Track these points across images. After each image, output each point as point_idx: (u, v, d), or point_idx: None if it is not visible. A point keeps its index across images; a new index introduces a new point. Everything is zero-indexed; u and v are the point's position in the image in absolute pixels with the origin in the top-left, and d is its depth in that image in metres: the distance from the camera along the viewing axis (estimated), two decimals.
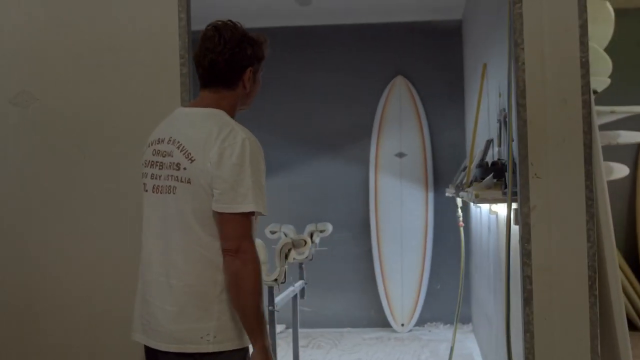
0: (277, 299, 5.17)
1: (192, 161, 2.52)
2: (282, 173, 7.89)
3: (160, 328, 2.60)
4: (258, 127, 7.75)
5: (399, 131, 7.80)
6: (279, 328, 7.45)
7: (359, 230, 7.87)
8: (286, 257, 5.30)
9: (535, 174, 3.36)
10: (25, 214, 3.46)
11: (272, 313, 5.03)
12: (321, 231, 6.11)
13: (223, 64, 2.61)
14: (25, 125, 3.45)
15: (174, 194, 2.56)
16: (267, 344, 2.54)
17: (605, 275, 3.44)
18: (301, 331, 7.38)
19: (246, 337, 2.58)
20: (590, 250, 3.35)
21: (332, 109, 7.91)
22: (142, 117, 3.29)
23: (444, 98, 7.83)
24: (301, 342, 7.03)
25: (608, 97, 4.79)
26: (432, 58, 7.84)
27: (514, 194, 3.54)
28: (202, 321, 2.54)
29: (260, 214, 2.54)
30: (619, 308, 3.46)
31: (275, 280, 5.07)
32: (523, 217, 3.37)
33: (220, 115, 2.60)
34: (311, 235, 5.98)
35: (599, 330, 3.36)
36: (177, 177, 2.55)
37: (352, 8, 7.46)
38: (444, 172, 7.64)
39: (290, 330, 6.02)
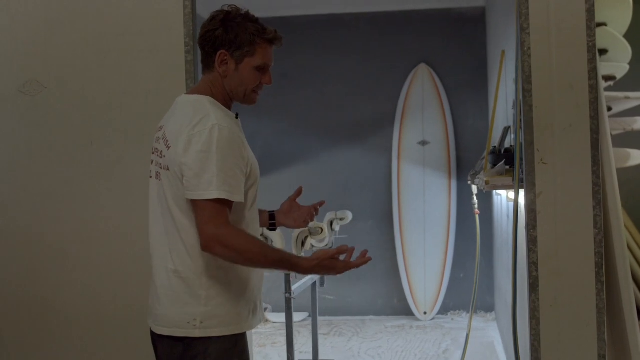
0: (294, 287, 5.18)
1: (169, 148, 2.55)
2: (304, 161, 7.91)
3: (156, 311, 2.65)
4: (281, 115, 7.87)
5: (421, 119, 7.77)
6: (301, 316, 7.51)
7: (382, 218, 7.86)
8: (302, 244, 5.31)
9: (542, 160, 3.33)
10: (34, 200, 3.51)
11: (288, 300, 5.04)
12: (341, 219, 6.11)
13: (200, 44, 2.66)
14: (33, 114, 3.49)
15: (160, 180, 2.61)
16: (306, 266, 2.52)
17: (613, 262, 3.41)
18: (324, 319, 7.43)
19: (242, 324, 2.60)
20: (597, 236, 3.32)
21: (355, 97, 7.90)
22: (148, 103, 3.32)
23: (467, 86, 7.78)
24: (323, 330, 7.07)
25: (625, 83, 4.73)
26: (455, 45, 7.79)
27: (522, 180, 3.52)
28: (190, 306, 2.57)
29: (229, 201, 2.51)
30: (628, 295, 3.42)
31: None
32: (529, 204, 3.35)
33: (202, 101, 2.61)
34: (331, 223, 5.98)
35: (606, 317, 3.33)
36: (160, 164, 2.60)
37: None
38: (467, 160, 7.59)
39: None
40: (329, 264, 2.54)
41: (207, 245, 2.46)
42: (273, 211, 3.00)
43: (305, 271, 2.54)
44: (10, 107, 3.49)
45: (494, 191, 6.40)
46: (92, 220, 3.48)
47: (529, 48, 3.34)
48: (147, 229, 2.67)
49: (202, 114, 2.55)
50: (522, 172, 3.46)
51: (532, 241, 3.34)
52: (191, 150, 2.49)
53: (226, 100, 2.67)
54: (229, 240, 2.46)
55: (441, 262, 7.63)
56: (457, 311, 7.78)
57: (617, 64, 4.61)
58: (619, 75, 4.68)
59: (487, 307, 7.61)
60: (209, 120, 2.52)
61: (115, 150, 3.45)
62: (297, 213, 3.01)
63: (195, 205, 2.48)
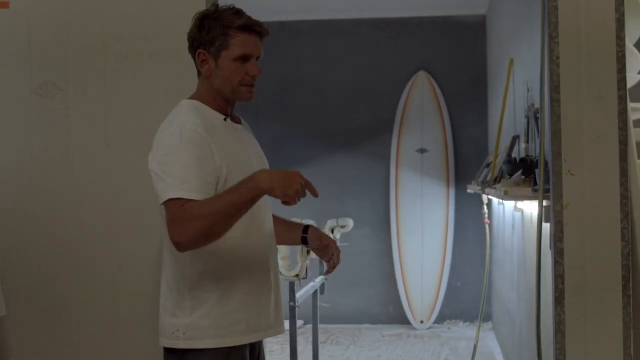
0: (297, 295, 5.12)
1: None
2: (303, 168, 7.78)
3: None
4: (279, 121, 7.79)
5: (420, 127, 7.73)
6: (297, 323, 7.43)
7: (379, 225, 7.81)
8: (307, 252, 5.24)
9: (569, 171, 3.28)
10: (49, 202, 3.42)
11: (292, 309, 4.99)
12: (342, 226, 6.05)
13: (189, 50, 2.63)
14: (49, 116, 3.41)
15: None
16: (255, 185, 2.41)
17: (639, 275, 3.36)
18: (319, 327, 7.36)
19: (233, 336, 2.51)
20: (625, 249, 3.27)
21: (354, 103, 7.86)
22: (165, 107, 3.23)
23: (466, 93, 7.76)
24: (320, 338, 6.98)
25: (635, 93, 4.71)
26: (455, 53, 7.78)
27: (546, 190, 3.46)
28: (175, 316, 2.52)
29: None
30: None
31: (297, 275, 5.02)
32: (555, 215, 3.30)
33: (182, 105, 2.58)
34: (332, 231, 5.92)
35: (632, 332, 3.29)
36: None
37: (375, 2, 7.40)
38: (466, 168, 7.57)
39: (309, 326, 5.98)
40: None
41: (179, 242, 2.34)
42: (308, 226, 2.92)
43: (264, 184, 2.44)
44: (25, 109, 3.41)
45: (497, 200, 6.36)
46: (109, 222, 3.40)
47: (558, 57, 3.28)
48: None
49: (173, 119, 2.51)
50: (547, 183, 3.41)
51: (558, 253, 3.29)
52: (156, 155, 2.45)
53: (217, 101, 2.58)
54: (190, 217, 2.32)
55: (438, 270, 7.60)
56: (454, 320, 7.75)
57: (629, 74, 4.58)
58: (629, 85, 4.66)
59: (484, 316, 7.55)
60: (174, 123, 2.47)
61: (132, 152, 3.37)
62: (324, 251, 2.89)
63: (163, 209, 2.40)
